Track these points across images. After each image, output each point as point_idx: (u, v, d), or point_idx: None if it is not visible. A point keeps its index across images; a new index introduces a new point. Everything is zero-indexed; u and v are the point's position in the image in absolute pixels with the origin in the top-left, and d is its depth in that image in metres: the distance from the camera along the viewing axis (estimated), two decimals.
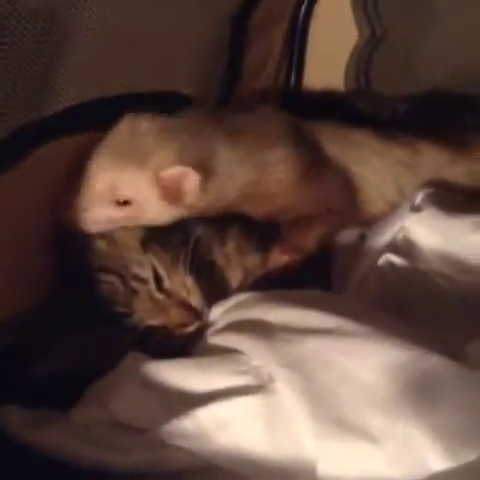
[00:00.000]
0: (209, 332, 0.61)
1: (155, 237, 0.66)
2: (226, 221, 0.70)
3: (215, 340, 0.58)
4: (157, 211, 0.66)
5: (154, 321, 0.63)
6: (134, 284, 0.63)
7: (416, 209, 0.66)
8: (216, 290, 0.66)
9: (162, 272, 0.63)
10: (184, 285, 0.63)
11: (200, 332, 0.62)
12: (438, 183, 0.72)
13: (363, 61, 0.90)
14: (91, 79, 0.63)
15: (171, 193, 0.64)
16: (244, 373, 0.51)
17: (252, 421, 0.49)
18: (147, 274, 0.63)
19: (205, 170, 0.65)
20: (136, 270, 0.63)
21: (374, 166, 0.74)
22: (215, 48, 0.79)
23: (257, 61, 0.88)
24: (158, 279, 0.63)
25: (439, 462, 0.43)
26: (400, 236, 0.65)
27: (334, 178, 0.73)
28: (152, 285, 0.63)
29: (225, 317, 0.61)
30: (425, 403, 0.46)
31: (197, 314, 0.63)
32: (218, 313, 0.62)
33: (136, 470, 0.49)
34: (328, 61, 0.92)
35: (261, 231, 0.71)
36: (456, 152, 0.75)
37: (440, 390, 0.46)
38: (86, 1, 0.58)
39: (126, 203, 0.64)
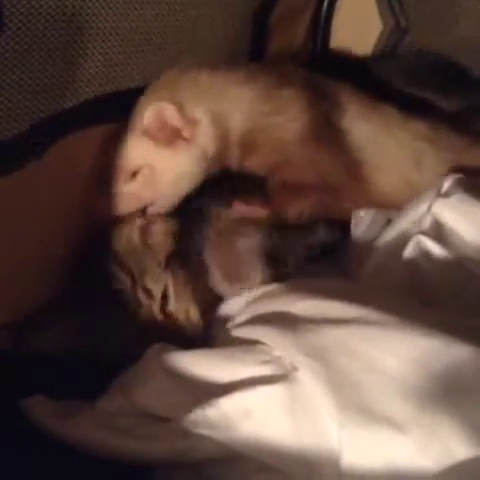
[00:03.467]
0: (231, 325, 0.61)
1: (178, 255, 0.64)
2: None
3: (237, 332, 0.58)
4: (167, 162, 0.65)
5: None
6: (141, 295, 0.61)
7: (444, 195, 0.65)
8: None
9: (171, 294, 0.62)
10: (187, 312, 0.62)
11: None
12: (461, 169, 0.70)
13: (387, 53, 0.89)
14: (110, 74, 0.64)
15: (163, 135, 0.64)
16: (267, 363, 0.51)
17: (275, 410, 0.48)
18: (157, 291, 0.61)
19: (180, 101, 0.65)
20: (148, 282, 0.61)
21: (395, 136, 0.72)
22: (237, 42, 0.79)
23: (279, 54, 0.88)
24: (165, 298, 0.62)
25: (464, 451, 0.42)
26: (428, 221, 0.63)
27: (343, 152, 0.71)
28: (157, 304, 0.61)
29: (248, 310, 0.60)
30: (453, 392, 0.45)
31: (187, 335, 0.62)
32: (241, 304, 0.62)
33: (162, 459, 0.50)
34: (352, 53, 0.91)
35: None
36: (472, 137, 0.74)
37: (468, 378, 0.45)
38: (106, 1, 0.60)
39: (135, 173, 0.65)
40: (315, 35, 0.90)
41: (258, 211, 0.67)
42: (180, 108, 0.64)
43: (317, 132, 0.69)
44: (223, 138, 0.67)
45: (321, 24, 0.90)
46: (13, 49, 0.53)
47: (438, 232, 0.63)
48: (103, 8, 0.60)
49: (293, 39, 0.90)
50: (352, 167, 0.71)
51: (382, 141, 0.72)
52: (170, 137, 0.64)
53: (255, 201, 0.68)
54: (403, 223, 0.66)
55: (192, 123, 0.65)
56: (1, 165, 0.56)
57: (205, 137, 0.66)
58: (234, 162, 0.70)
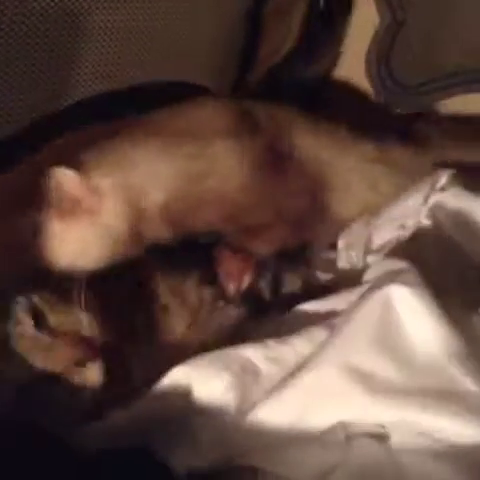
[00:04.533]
0: None
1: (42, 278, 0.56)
2: (147, 273, 0.63)
3: None
4: (64, 234, 0.57)
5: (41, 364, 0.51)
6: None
7: (441, 189, 0.65)
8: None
9: (46, 309, 0.53)
10: (77, 320, 0.53)
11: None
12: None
13: (384, 47, 0.89)
14: (107, 73, 0.64)
15: (64, 207, 0.57)
16: None
17: None
18: (22, 315, 0.53)
19: (86, 168, 0.57)
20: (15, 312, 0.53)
21: (346, 159, 0.70)
22: (230, 39, 0.79)
23: (272, 49, 0.87)
24: (38, 317, 0.53)
25: None
26: (424, 213, 0.63)
27: (296, 174, 0.67)
28: (28, 323, 0.52)
29: None
30: None
31: (95, 348, 0.52)
32: None
33: None
34: (349, 47, 0.92)
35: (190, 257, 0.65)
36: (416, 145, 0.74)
37: None
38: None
39: None
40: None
41: (244, 259, 0.65)
42: (86, 176, 0.57)
43: (261, 169, 0.65)
44: (137, 216, 0.60)
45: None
46: (7, 48, 0.53)
47: (435, 225, 0.63)
48: (100, 6, 0.60)
49: (287, 33, 0.89)
50: (309, 194, 0.68)
51: (335, 165, 0.69)
52: (71, 207, 0.57)
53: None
54: (398, 214, 0.66)
55: (96, 194, 0.57)
56: None
57: (112, 213, 0.58)
58: (167, 234, 0.62)
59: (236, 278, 0.64)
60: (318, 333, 0.53)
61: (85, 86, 0.62)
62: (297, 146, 0.68)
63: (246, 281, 0.65)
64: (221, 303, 0.64)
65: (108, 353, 0.53)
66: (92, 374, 0.52)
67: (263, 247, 0.66)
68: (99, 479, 0.48)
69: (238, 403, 0.51)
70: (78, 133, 0.62)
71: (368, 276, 0.58)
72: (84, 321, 0.53)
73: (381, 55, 0.89)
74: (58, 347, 0.51)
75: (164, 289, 0.62)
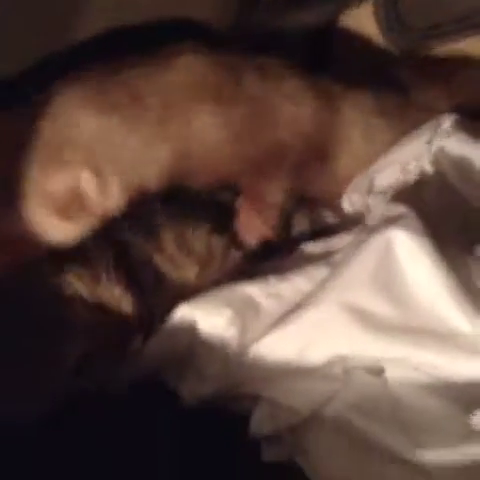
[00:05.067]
0: None
1: (72, 256, 0.56)
2: (152, 220, 0.60)
3: None
4: (54, 231, 0.54)
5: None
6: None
7: (445, 134, 0.64)
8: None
9: (83, 291, 0.54)
10: (112, 296, 0.54)
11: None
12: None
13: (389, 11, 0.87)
14: (107, 8, 0.61)
15: (66, 207, 0.53)
16: None
17: None
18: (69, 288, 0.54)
19: (98, 164, 0.54)
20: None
21: (343, 113, 0.68)
22: None
23: None
24: (82, 299, 0.54)
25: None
26: (428, 157, 0.63)
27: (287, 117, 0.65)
28: (78, 305, 0.54)
29: None
30: None
31: (136, 320, 0.55)
32: None
33: None
34: None
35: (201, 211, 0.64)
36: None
37: None
38: None
39: None
40: None
41: (268, 212, 0.64)
42: (98, 177, 0.53)
43: (243, 122, 0.63)
44: (133, 197, 0.57)
45: None
46: None
47: (437, 171, 0.63)
48: None
49: None
50: (312, 142, 0.67)
51: (334, 118, 0.68)
52: (71, 210, 0.53)
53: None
54: (400, 157, 0.66)
55: (105, 196, 0.54)
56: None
57: (112, 207, 0.56)
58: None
59: (259, 230, 0.64)
60: (318, 271, 0.55)
61: (89, 23, 0.60)
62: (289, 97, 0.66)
63: (268, 234, 0.65)
64: (234, 252, 0.63)
65: (144, 323, 0.55)
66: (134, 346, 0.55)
67: (275, 192, 0.65)
68: (121, 407, 0.51)
69: (239, 338, 0.53)
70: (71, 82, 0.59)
71: (370, 220, 0.59)
72: (116, 294, 0.55)
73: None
74: (107, 324, 0.54)
75: (170, 240, 0.61)
